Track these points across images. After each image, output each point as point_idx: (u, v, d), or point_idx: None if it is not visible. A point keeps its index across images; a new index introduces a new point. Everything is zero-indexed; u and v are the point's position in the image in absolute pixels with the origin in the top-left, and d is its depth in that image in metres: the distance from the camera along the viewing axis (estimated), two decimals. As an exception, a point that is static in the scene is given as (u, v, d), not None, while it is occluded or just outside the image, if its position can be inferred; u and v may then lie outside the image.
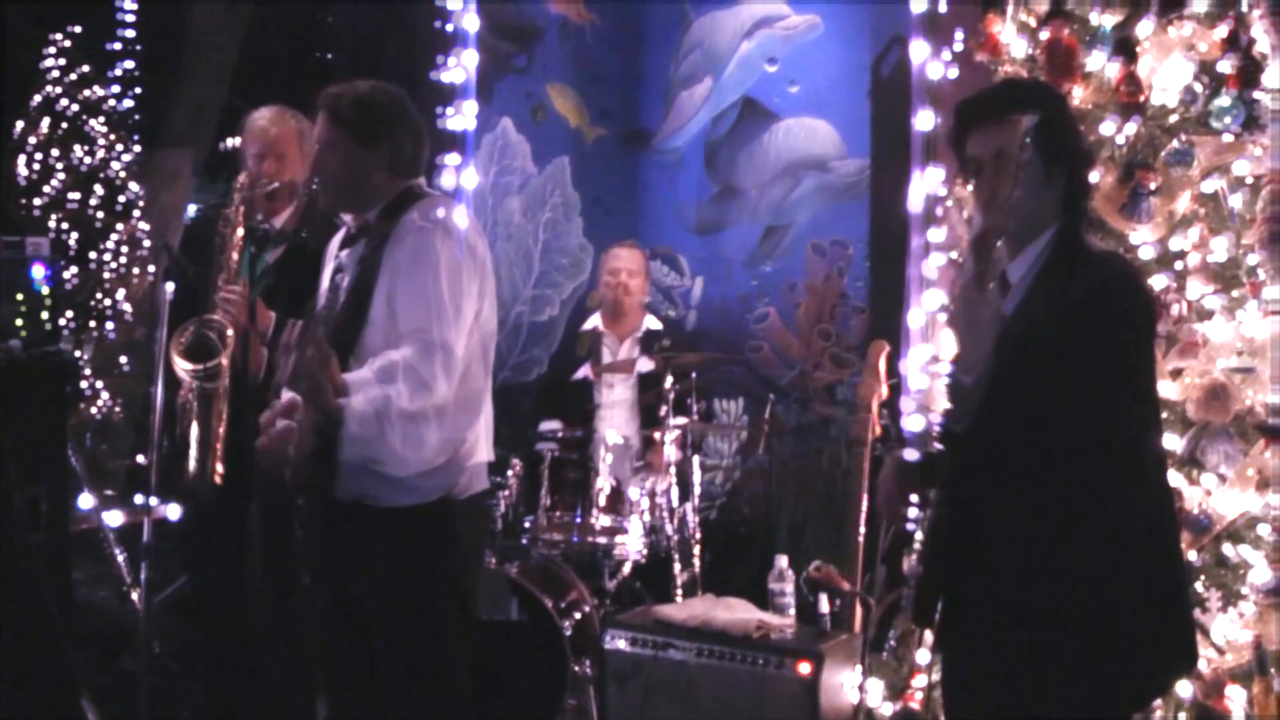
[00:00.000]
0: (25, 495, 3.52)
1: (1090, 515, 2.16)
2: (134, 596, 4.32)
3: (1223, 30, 3.36)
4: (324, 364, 2.58)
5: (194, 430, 3.19)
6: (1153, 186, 3.34)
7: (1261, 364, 3.23)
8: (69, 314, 5.38)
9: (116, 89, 5.82)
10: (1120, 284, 2.25)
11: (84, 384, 5.49)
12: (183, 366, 3.18)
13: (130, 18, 5.87)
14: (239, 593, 3.24)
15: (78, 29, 5.72)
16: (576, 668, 3.87)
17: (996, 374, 2.17)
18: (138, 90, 5.86)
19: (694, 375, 4.37)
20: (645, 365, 4.70)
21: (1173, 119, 3.38)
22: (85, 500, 4.51)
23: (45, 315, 3.99)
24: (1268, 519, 3.17)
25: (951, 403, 2.29)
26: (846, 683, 3.44)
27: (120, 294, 5.69)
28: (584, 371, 4.80)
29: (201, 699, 3.83)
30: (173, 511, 3.67)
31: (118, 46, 5.85)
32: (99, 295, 5.62)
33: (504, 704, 3.83)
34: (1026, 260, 2.30)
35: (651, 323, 4.83)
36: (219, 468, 3.17)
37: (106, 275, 5.65)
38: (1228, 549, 3.20)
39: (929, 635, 2.99)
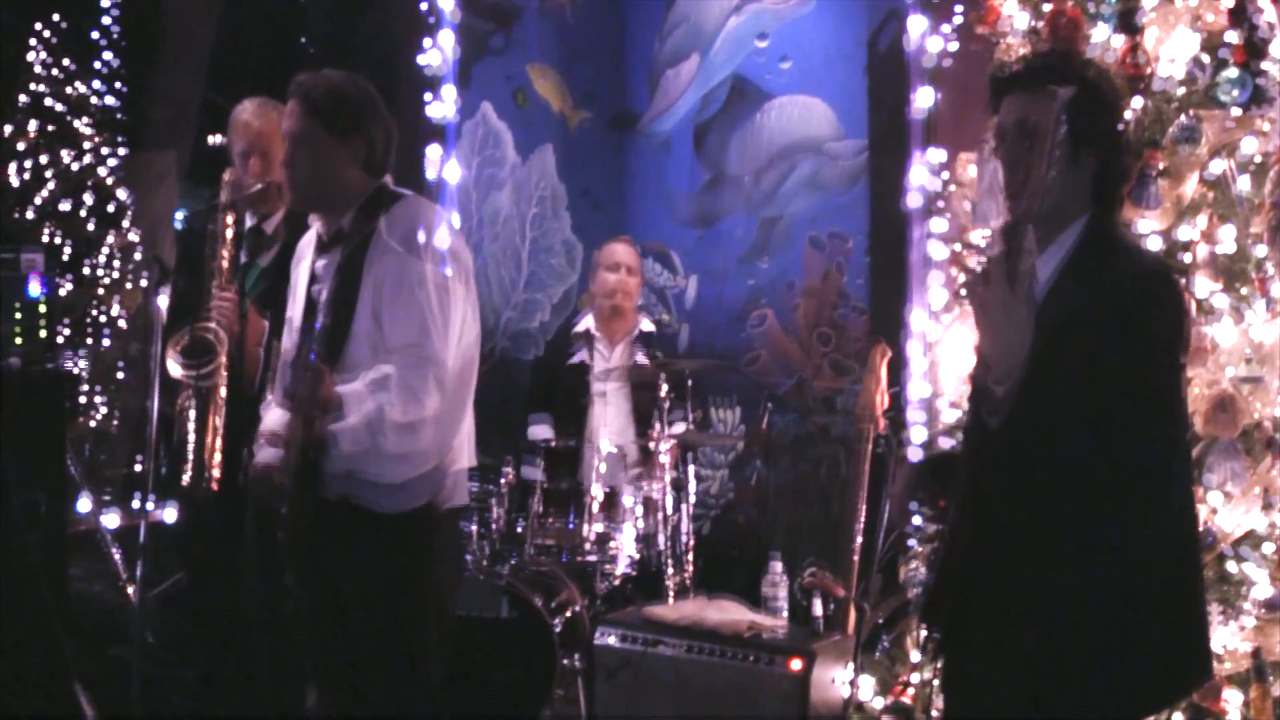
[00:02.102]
0: (24, 499, 3.75)
1: (1113, 526, 2.11)
2: (129, 591, 4.41)
3: (1229, 1, 3.28)
4: (318, 383, 2.61)
5: (191, 434, 3.23)
6: (1161, 167, 3.26)
7: (1270, 373, 3.16)
8: (65, 330, 5.32)
9: (99, 85, 5.70)
10: (1151, 288, 2.14)
11: (81, 398, 5.46)
12: (180, 367, 3.16)
13: (106, 2, 5.74)
14: (233, 587, 3.27)
15: (56, 18, 5.58)
16: (565, 661, 3.85)
17: (1023, 379, 2.07)
18: (120, 86, 5.75)
19: (690, 382, 4.27)
20: (641, 359, 4.56)
21: (1179, 92, 3.29)
22: (84, 504, 4.65)
23: (43, 331, 3.98)
24: (1271, 537, 3.15)
25: (979, 412, 2.21)
26: (838, 679, 3.45)
27: (115, 308, 5.62)
28: (580, 355, 4.63)
29: (195, 688, 3.93)
30: (169, 515, 3.74)
31: (97, 36, 5.72)
32: (93, 311, 5.56)
33: (492, 695, 3.83)
34: (1056, 254, 2.18)
35: (645, 325, 4.64)
36: (215, 472, 3.22)
37: (100, 290, 5.58)
38: (1230, 565, 3.16)
39: (925, 635, 2.97)
